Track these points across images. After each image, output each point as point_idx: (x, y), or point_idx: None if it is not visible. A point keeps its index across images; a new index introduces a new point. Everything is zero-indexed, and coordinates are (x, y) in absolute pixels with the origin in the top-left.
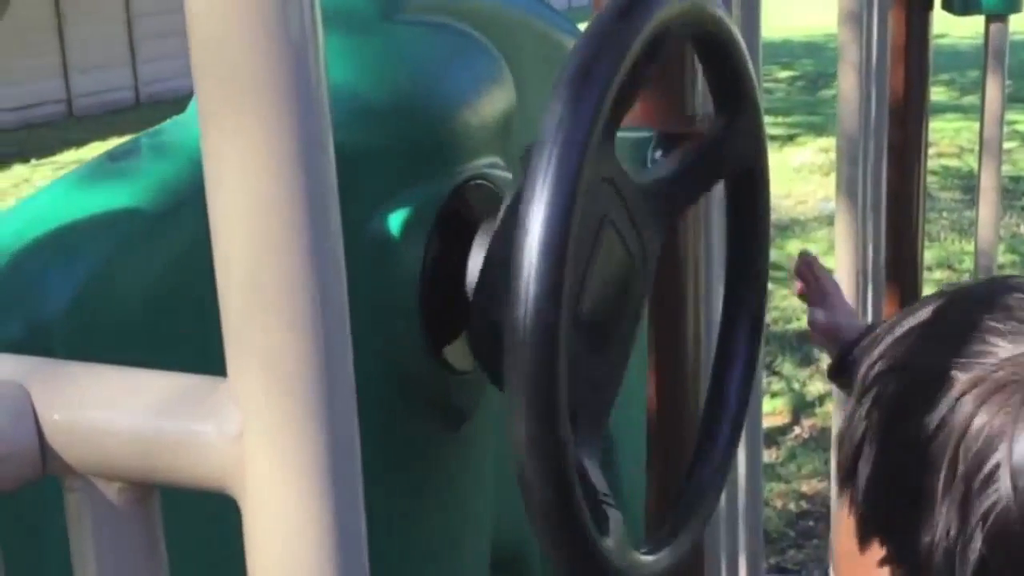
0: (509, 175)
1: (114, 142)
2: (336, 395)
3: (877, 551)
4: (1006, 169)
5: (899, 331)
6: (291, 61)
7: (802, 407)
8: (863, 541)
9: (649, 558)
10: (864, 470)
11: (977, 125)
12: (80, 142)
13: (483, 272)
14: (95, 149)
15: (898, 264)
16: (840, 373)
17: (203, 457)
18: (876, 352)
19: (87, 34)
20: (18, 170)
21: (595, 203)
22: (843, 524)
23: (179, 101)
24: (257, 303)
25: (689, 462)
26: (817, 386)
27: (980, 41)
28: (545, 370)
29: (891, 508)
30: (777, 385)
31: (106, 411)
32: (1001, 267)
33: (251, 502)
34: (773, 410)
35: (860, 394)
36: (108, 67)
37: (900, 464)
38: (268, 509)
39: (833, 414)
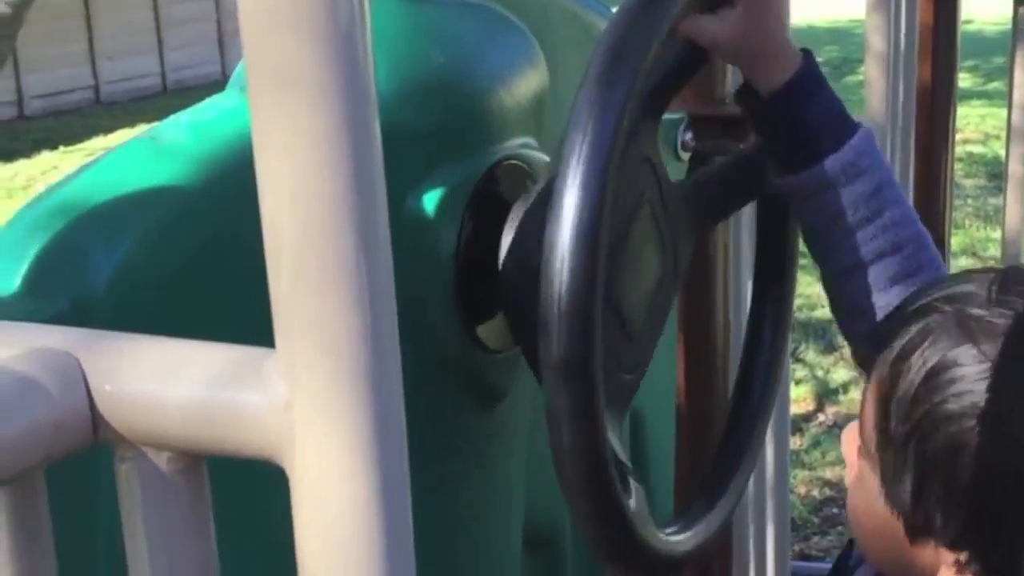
0: (542, 155)
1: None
2: (382, 366)
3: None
4: None
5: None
6: (340, 49)
7: (826, 394)
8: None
9: (679, 537)
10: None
11: (1002, 111)
12: (108, 129)
13: (517, 250)
14: (123, 136)
15: None
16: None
17: (251, 427)
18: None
19: (115, 21)
20: (46, 157)
21: (632, 182)
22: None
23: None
24: (305, 277)
25: (718, 443)
26: (841, 373)
27: (1006, 27)
28: (580, 340)
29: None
30: (801, 372)
31: (156, 382)
32: None
33: (299, 471)
34: (797, 397)
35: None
36: (135, 54)
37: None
38: (315, 477)
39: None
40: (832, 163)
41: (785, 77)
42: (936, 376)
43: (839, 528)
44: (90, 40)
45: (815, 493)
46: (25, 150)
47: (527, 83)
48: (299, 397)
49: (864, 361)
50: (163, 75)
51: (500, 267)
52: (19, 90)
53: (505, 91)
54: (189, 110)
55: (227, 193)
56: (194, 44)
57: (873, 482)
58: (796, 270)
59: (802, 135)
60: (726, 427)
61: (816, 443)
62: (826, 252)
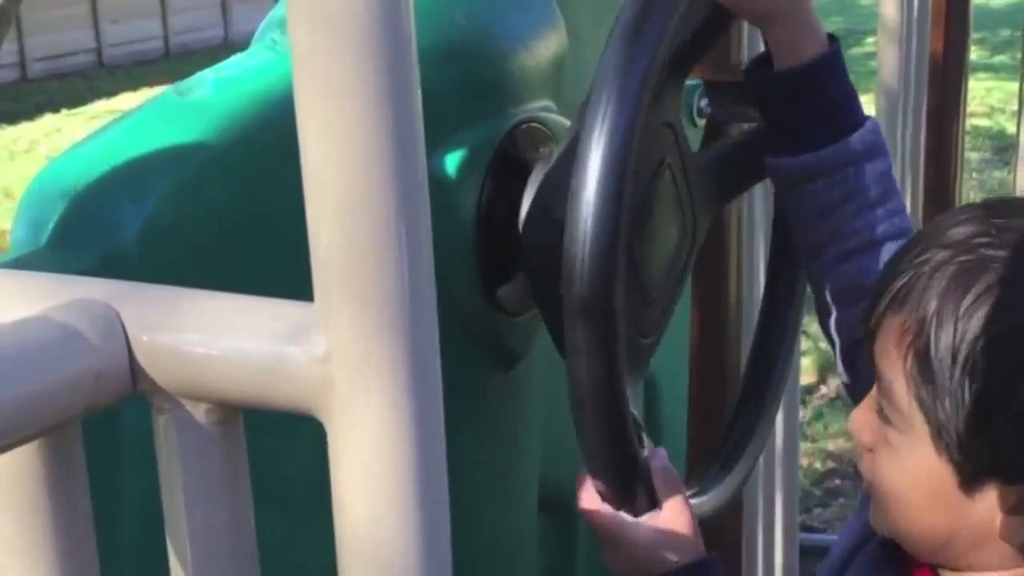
0: (561, 118)
1: (144, 93)
2: (420, 319)
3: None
4: None
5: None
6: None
7: (828, 367)
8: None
9: (695, 500)
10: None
11: (1008, 85)
12: (110, 92)
13: (539, 208)
14: (125, 100)
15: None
16: None
17: (290, 380)
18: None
19: None
20: (49, 120)
21: (654, 145)
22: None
23: (209, 51)
24: (345, 232)
25: (734, 409)
26: None
27: (1013, 0)
28: (604, 280)
29: None
30: (804, 344)
31: (195, 334)
32: None
33: (336, 424)
34: (800, 369)
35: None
36: (138, 17)
37: None
38: (353, 431)
39: None
40: (856, 139)
41: (815, 51)
42: (975, 310)
43: (841, 500)
44: (93, 3)
45: (817, 465)
46: (28, 112)
47: (547, 46)
48: (337, 350)
49: (850, 361)
50: (166, 39)
51: (521, 226)
52: (22, 52)
53: (526, 53)
54: (215, 67)
55: (254, 150)
56: (198, 8)
57: (909, 446)
58: None
59: (827, 112)
60: (742, 392)
61: (819, 415)
62: (830, 235)
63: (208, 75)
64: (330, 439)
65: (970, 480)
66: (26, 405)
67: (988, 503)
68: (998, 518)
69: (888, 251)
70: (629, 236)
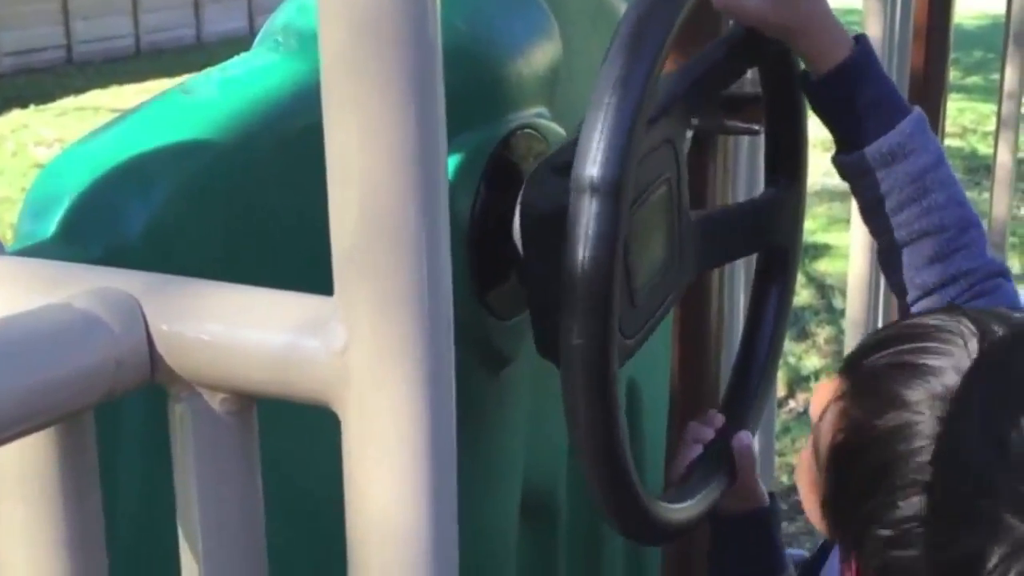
0: (556, 126)
1: (114, 90)
2: (437, 314)
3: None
4: None
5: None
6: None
7: (797, 381)
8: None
9: (674, 506)
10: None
11: (981, 106)
12: (80, 89)
13: (529, 215)
14: (95, 97)
15: None
16: None
17: (308, 371)
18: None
19: None
20: (16, 115)
21: (656, 157)
22: None
23: (180, 51)
24: (367, 227)
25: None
26: (812, 360)
27: (986, 22)
28: (604, 266)
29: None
30: None
31: (214, 324)
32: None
33: (352, 416)
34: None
35: None
36: (109, 14)
37: None
38: (368, 423)
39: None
40: (873, 149)
41: (836, 60)
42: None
43: (805, 515)
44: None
45: (784, 479)
46: None
47: (543, 53)
48: (356, 343)
49: None
50: (137, 37)
51: (513, 233)
52: None
53: (523, 60)
54: (219, 67)
55: (259, 150)
56: (169, 7)
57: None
58: (800, 249)
59: (850, 120)
60: (727, 399)
61: (786, 429)
62: (874, 231)
63: (213, 74)
64: (344, 431)
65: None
66: (47, 391)
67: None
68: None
69: (926, 245)
70: (625, 231)
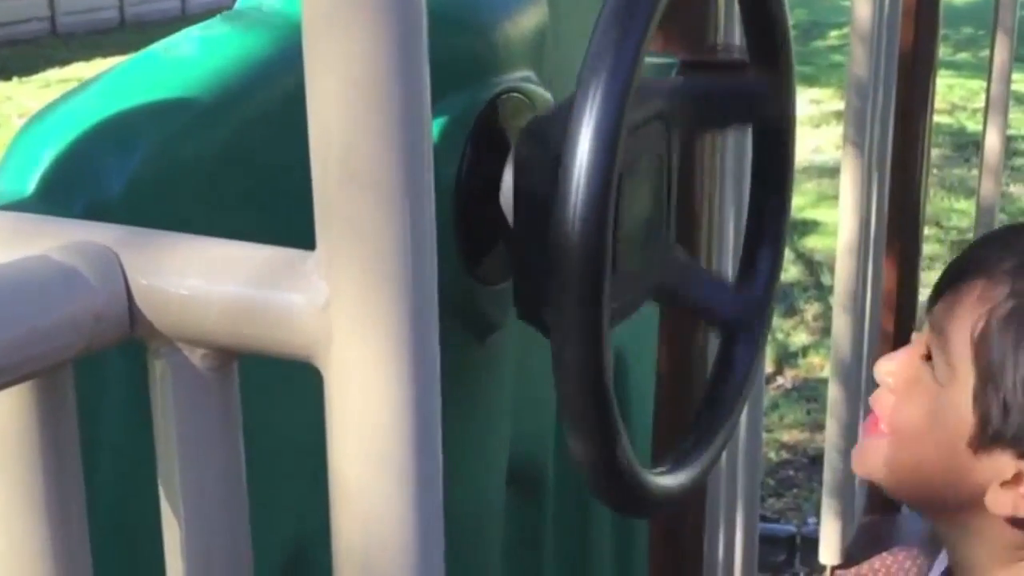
0: (542, 90)
1: (98, 63)
2: (420, 269)
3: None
4: None
5: None
6: None
7: (785, 358)
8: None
9: (663, 478)
10: None
11: (970, 82)
12: (63, 61)
13: (519, 180)
14: (79, 69)
15: (899, 221)
16: None
17: (289, 327)
18: None
19: None
20: (0, 87)
21: (647, 132)
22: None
23: (165, 23)
24: (349, 181)
25: (707, 386)
26: (801, 337)
27: None
28: (597, 220)
29: None
30: None
31: (195, 278)
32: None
33: (334, 372)
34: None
35: None
36: None
37: None
38: (351, 379)
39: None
40: None
41: None
42: None
43: (794, 491)
44: None
45: (772, 455)
46: None
47: (529, 17)
48: (338, 298)
49: None
50: (121, 9)
51: (500, 199)
52: None
53: (509, 23)
54: (199, 25)
55: (239, 108)
56: None
57: (943, 395)
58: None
59: None
60: (715, 370)
61: (775, 406)
62: None
63: (193, 32)
64: (327, 387)
65: (986, 441)
66: (25, 343)
67: (989, 469)
68: (991, 486)
69: None
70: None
